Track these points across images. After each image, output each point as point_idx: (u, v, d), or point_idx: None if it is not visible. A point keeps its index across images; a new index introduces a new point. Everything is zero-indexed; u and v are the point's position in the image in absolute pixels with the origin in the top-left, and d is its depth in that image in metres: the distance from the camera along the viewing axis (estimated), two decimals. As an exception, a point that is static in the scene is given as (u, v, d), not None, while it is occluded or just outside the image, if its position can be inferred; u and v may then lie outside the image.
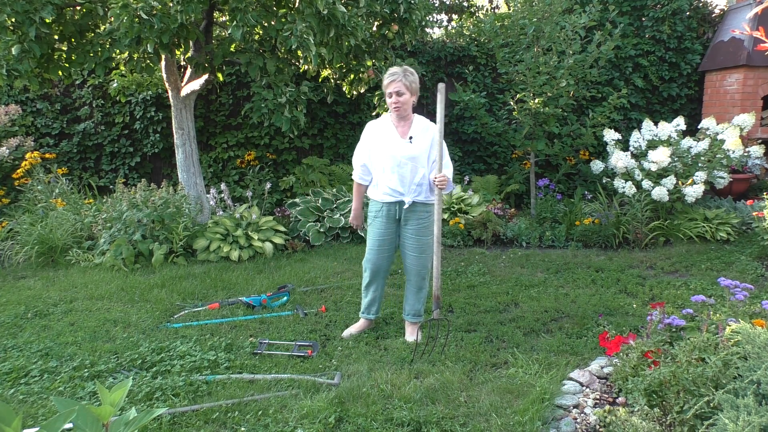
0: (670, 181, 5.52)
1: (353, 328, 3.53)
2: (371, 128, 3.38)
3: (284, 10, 4.87)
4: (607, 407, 2.39)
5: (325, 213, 5.92)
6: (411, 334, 3.40)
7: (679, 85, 7.85)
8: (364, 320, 3.55)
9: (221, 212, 5.95)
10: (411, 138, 3.25)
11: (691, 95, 7.93)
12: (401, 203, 3.29)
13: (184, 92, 5.54)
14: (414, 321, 3.44)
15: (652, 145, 5.97)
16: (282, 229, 5.61)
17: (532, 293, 4.19)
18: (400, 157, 3.23)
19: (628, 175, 5.96)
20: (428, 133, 3.28)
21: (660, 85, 7.83)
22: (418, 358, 3.12)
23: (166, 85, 5.59)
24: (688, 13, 7.69)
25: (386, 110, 6.25)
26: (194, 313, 3.88)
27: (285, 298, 4.13)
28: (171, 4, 4.29)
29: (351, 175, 3.68)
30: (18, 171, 6.27)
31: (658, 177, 5.70)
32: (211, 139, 7.36)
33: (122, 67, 6.39)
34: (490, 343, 3.34)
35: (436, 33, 8.89)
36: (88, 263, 5.01)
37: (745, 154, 5.93)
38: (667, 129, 5.89)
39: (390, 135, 3.28)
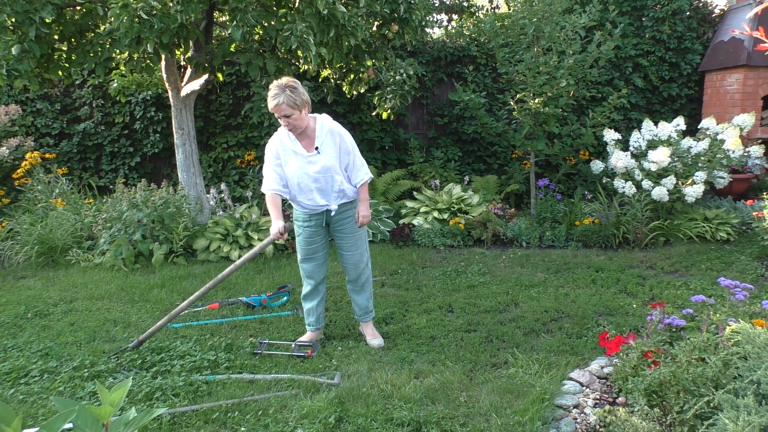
0: (670, 181, 5.51)
1: (304, 337, 3.41)
2: (273, 147, 3.07)
3: (284, 10, 4.87)
4: (607, 407, 2.39)
5: (325, 213, 5.91)
6: (372, 336, 3.32)
7: (679, 85, 7.85)
8: (310, 332, 3.41)
9: (221, 212, 5.95)
10: (317, 149, 3.03)
11: (691, 95, 7.93)
12: (328, 211, 3.18)
13: (184, 92, 5.54)
14: (367, 319, 3.38)
15: (652, 145, 5.96)
16: (282, 229, 5.60)
17: (532, 293, 4.19)
18: (313, 173, 3.04)
19: (628, 175, 5.96)
20: (333, 136, 3.04)
21: (660, 85, 7.83)
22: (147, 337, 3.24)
23: (166, 85, 5.59)
24: (688, 13, 7.70)
25: (385, 110, 6.30)
26: (194, 313, 3.88)
27: (285, 298, 4.13)
28: (171, 4, 4.29)
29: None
30: (18, 171, 6.27)
31: (658, 177, 5.70)
32: (211, 139, 7.36)
33: (122, 67, 6.39)
34: (490, 343, 3.34)
35: (436, 33, 8.90)
36: (88, 263, 5.01)
37: (745, 154, 5.93)
38: (667, 129, 5.89)
39: (296, 151, 3.04)
